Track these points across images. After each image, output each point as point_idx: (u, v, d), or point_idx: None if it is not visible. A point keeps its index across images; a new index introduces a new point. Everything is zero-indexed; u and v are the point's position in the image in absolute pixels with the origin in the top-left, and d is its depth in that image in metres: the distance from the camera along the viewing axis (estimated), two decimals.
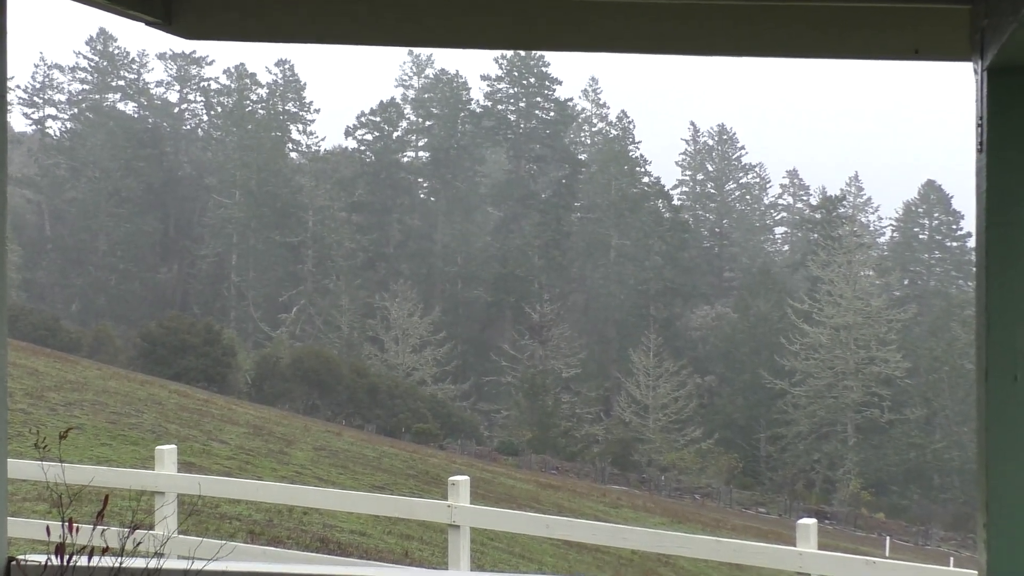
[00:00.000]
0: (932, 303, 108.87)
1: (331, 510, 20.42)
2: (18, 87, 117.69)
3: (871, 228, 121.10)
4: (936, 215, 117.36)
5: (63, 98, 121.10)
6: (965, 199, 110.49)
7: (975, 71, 3.36)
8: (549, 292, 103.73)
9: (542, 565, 26.31)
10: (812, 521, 10.34)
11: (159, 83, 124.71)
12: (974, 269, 3.39)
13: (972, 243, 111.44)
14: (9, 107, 4.49)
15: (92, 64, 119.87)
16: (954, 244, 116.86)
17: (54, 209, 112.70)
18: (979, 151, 3.30)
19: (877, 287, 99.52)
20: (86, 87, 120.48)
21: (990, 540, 3.32)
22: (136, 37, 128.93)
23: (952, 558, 56.07)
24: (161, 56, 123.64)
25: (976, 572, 3.50)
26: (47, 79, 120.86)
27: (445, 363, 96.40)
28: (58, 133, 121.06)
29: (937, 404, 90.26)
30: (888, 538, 63.89)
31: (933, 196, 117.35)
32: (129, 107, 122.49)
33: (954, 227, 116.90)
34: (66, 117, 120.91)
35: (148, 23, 4.00)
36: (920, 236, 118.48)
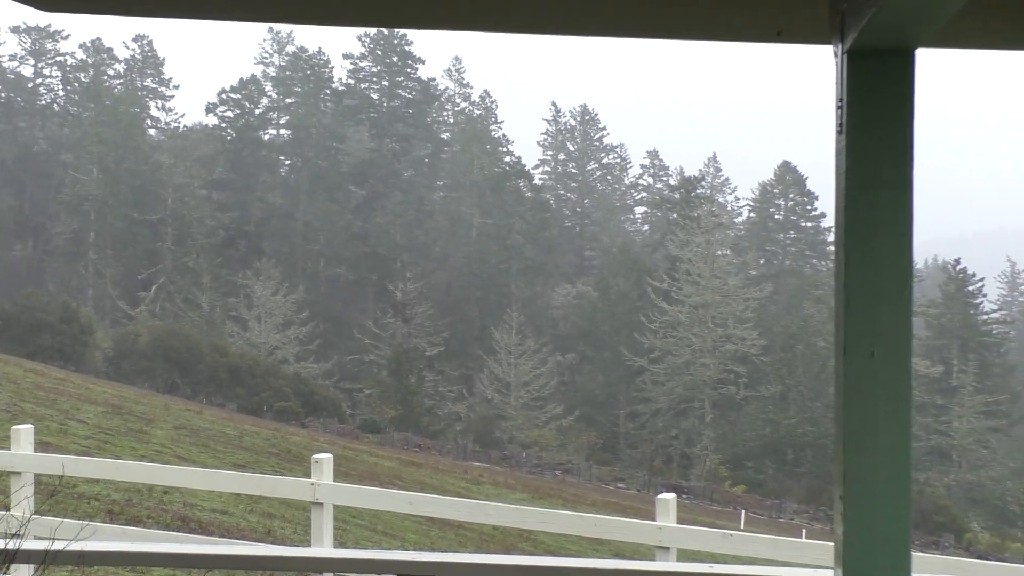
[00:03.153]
0: (787, 282, 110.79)
1: (192, 489, 20.20)
2: None
3: (728, 208, 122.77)
4: (791, 196, 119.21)
5: None
6: (819, 180, 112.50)
7: (835, 54, 3.41)
8: (412, 271, 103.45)
9: (404, 542, 26.32)
10: (671, 496, 10.46)
11: (12, 57, 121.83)
12: (828, 248, 3.47)
13: (826, 223, 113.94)
14: None
15: None
16: (808, 224, 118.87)
17: None
18: (839, 133, 3.35)
19: (734, 266, 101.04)
20: None
21: (846, 512, 3.39)
22: None
23: (804, 530, 57.15)
24: (15, 29, 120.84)
25: (833, 543, 3.56)
26: None
27: (308, 342, 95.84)
28: None
29: (791, 381, 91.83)
30: (743, 511, 64.93)
31: (788, 177, 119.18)
32: None
33: (808, 208, 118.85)
34: None
35: None
36: (776, 216, 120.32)
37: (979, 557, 53.64)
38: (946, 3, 2.89)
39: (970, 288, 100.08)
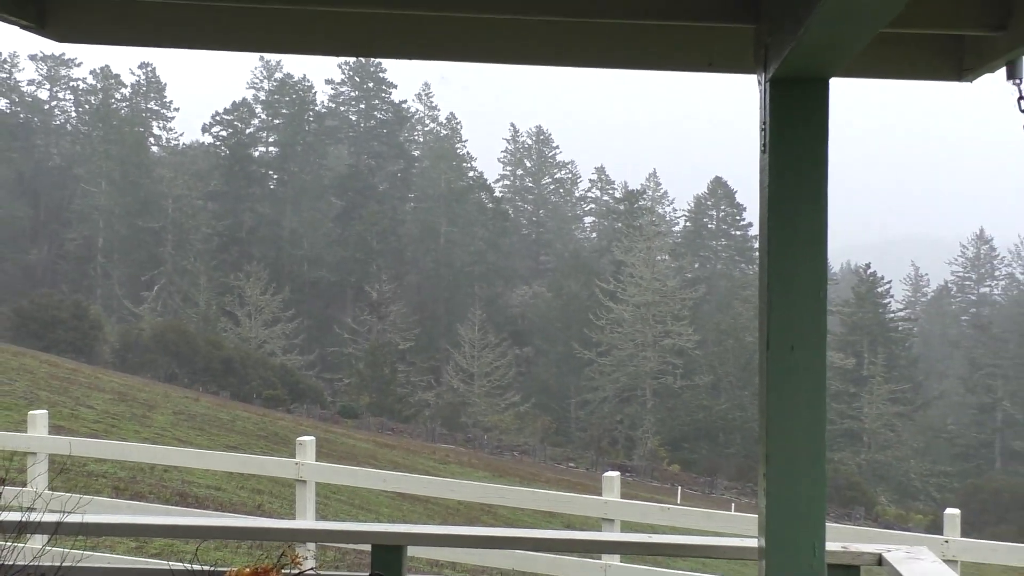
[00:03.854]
0: (718, 284, 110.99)
1: (189, 467, 20.10)
2: None
3: (667, 218, 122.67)
4: (722, 207, 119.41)
5: None
6: (746, 194, 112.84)
7: (759, 82, 3.43)
8: (386, 273, 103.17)
9: (379, 515, 26.27)
10: (616, 474, 10.49)
11: (31, 82, 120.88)
12: (755, 255, 3.50)
13: (752, 232, 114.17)
14: None
15: None
16: (737, 233, 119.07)
17: None
18: (763, 152, 3.38)
19: (672, 270, 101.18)
20: None
21: (769, 487, 3.41)
22: (8, 39, 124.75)
23: (733, 504, 57.35)
24: (33, 57, 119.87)
25: (757, 516, 3.58)
26: None
27: (293, 336, 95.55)
28: None
29: (722, 371, 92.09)
30: (680, 488, 65.05)
31: (720, 191, 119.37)
32: (1, 103, 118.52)
33: (737, 218, 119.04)
34: None
35: (22, 27, 3.87)
36: (709, 226, 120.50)
37: (886, 527, 54.02)
38: (855, 38, 2.92)
39: (879, 290, 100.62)
